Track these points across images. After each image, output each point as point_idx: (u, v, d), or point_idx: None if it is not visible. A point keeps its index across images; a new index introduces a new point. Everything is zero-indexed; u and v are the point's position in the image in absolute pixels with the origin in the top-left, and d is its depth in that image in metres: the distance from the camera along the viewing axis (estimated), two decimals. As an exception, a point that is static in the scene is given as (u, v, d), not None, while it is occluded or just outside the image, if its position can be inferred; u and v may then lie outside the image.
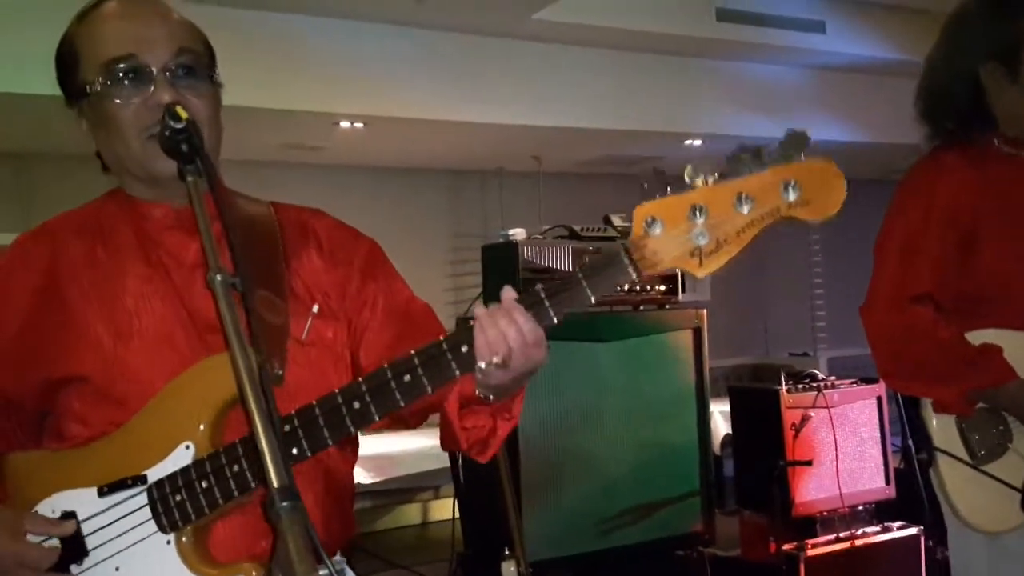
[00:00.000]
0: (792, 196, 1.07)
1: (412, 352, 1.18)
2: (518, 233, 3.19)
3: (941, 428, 1.84)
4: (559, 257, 3.26)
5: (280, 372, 1.26)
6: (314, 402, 1.19)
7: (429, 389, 1.17)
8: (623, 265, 1.12)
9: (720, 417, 4.65)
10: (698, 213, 1.08)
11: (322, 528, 1.24)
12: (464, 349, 1.17)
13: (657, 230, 1.10)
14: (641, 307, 3.49)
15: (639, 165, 7.25)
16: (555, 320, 1.16)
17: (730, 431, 4.02)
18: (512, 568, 2.69)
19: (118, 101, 1.27)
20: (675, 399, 3.52)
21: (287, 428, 1.17)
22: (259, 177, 5.82)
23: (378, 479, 4.21)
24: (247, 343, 1.03)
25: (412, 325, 1.42)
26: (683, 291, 3.51)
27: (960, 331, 1.84)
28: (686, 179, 1.12)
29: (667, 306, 3.57)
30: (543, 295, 1.16)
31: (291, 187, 6.07)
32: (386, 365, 1.19)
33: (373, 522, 5.56)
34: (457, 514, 3.27)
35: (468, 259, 6.41)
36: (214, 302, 1.06)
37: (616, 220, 3.43)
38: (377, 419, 1.19)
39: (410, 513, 5.62)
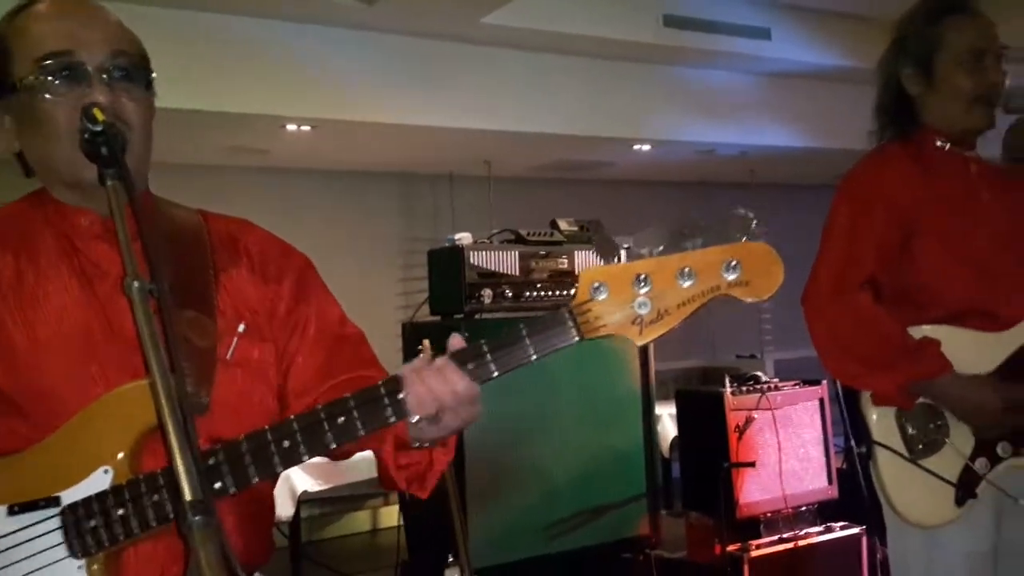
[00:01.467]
0: (732, 276, 1.11)
1: (348, 395, 1.17)
2: (464, 237, 3.18)
3: (880, 421, 1.85)
4: (506, 261, 3.26)
5: (206, 400, 1.23)
6: (242, 437, 1.16)
7: (362, 432, 1.16)
8: (567, 327, 1.14)
9: (669, 420, 4.68)
10: (642, 282, 1.12)
11: (243, 551, 1.22)
12: (401, 396, 1.16)
13: (602, 295, 1.13)
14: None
15: (590, 170, 7.29)
16: (495, 375, 1.17)
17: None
18: (456, 575, 2.67)
19: (50, 97, 1.23)
20: (622, 403, 3.54)
21: (212, 461, 1.15)
22: (205, 180, 5.78)
23: (325, 486, 4.16)
24: (168, 366, 1.01)
25: (343, 351, 1.39)
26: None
27: (900, 321, 1.86)
28: (630, 250, 1.16)
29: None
30: (486, 349, 1.16)
31: (237, 190, 6.02)
32: (320, 406, 1.17)
33: (322, 530, 5.50)
34: (402, 522, 3.24)
35: (418, 264, 6.37)
36: (131, 311, 1.03)
37: (563, 224, 3.43)
38: (306, 459, 1.18)
39: (359, 520, 5.57)
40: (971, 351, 1.82)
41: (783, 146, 6.80)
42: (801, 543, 3.50)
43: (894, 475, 1.83)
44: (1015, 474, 1.84)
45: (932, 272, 1.88)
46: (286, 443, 1.15)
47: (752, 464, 3.45)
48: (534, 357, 1.15)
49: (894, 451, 1.81)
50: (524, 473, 3.26)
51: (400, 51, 5.43)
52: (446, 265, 3.23)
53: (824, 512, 3.72)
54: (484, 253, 3.21)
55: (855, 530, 3.62)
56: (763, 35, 6.10)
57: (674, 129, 6.34)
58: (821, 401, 3.78)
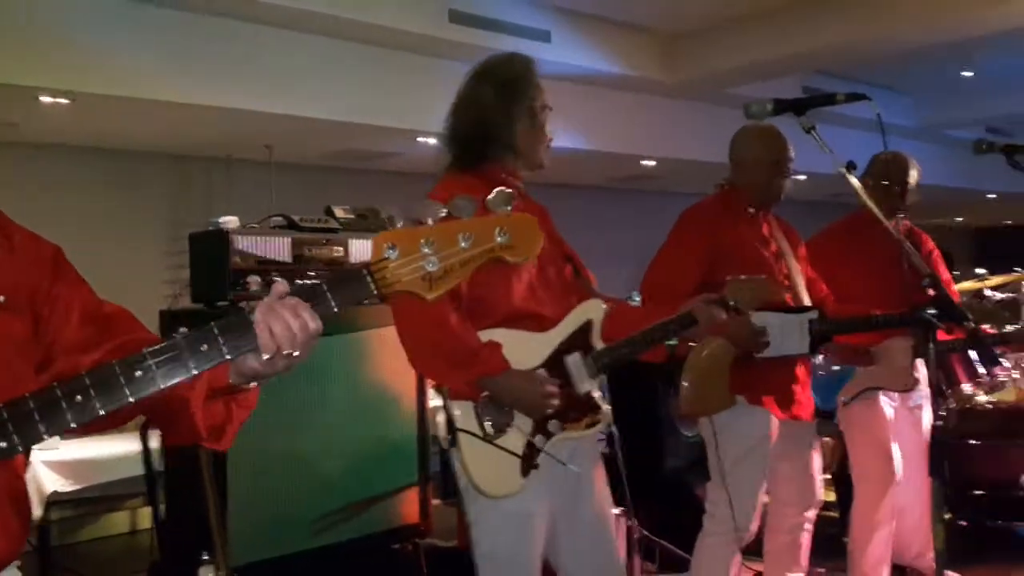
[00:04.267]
0: (502, 239, 1.32)
1: (170, 340, 1.20)
2: (230, 221, 3.04)
3: (461, 411, 2.15)
4: (276, 248, 3.15)
5: None
6: (27, 394, 1.14)
7: (193, 371, 1.20)
8: (364, 282, 1.28)
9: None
10: (429, 244, 1.28)
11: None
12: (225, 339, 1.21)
13: (394, 255, 1.27)
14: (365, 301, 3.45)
15: (377, 160, 7.22)
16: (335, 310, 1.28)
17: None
18: (211, 574, 2.56)
19: None
20: (396, 393, 3.52)
21: None
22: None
23: (76, 486, 3.86)
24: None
25: (111, 326, 1.40)
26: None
27: (471, 325, 2.16)
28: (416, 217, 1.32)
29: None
30: (326, 288, 1.27)
31: (-18, 165, 5.48)
32: (114, 361, 1.18)
33: (75, 533, 5.13)
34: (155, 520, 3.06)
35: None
36: None
37: (339, 212, 3.36)
38: (102, 413, 1.18)
39: (116, 521, 5.24)
40: (524, 349, 2.18)
41: (560, 147, 7.03)
42: (565, 526, 3.63)
43: (473, 456, 2.13)
44: (565, 444, 2.23)
45: (487, 287, 2.18)
46: (78, 397, 1.15)
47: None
48: (335, 308, 1.28)
49: (473, 434, 2.11)
50: (293, 466, 3.17)
51: (170, 24, 5.15)
52: (209, 250, 3.07)
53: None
54: (253, 238, 3.08)
55: (615, 511, 3.80)
56: (543, 37, 6.29)
57: (457, 123, 6.41)
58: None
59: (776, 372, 3.07)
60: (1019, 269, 4.98)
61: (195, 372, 1.20)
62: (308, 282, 1.28)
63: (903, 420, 3.77)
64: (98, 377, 1.17)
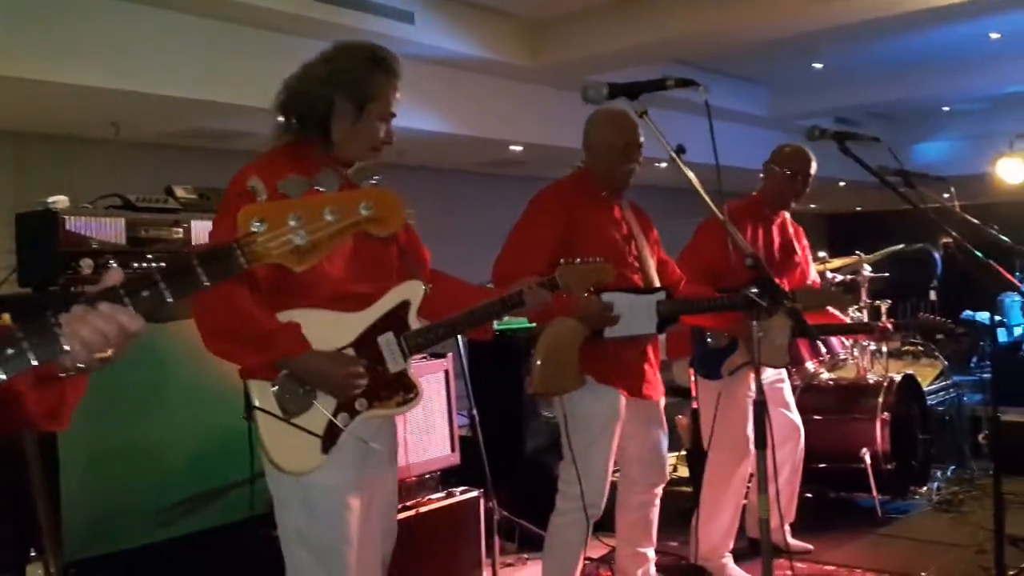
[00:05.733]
0: (367, 213, 1.34)
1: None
2: (60, 201, 2.87)
3: (259, 391, 2.14)
4: (110, 229, 2.99)
5: None
6: None
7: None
8: (235, 256, 1.27)
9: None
10: (296, 218, 1.29)
11: None
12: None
13: (262, 229, 1.28)
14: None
15: (232, 140, 6.99)
16: (169, 301, 1.24)
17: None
18: (40, 571, 2.42)
19: None
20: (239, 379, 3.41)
21: None
22: None
23: None
24: None
25: None
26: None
27: (276, 306, 2.13)
28: (252, 186, 1.38)
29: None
30: (158, 278, 1.23)
31: None
32: None
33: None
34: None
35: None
36: None
37: (180, 191, 3.22)
38: None
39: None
40: (332, 329, 2.17)
41: (424, 130, 6.98)
42: (422, 509, 3.62)
43: (271, 434, 2.13)
44: (372, 423, 2.24)
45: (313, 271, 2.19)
46: None
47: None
48: (206, 283, 1.26)
49: (271, 413, 2.11)
50: (133, 457, 3.02)
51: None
52: (37, 232, 2.89)
53: (447, 478, 3.89)
54: (84, 219, 2.92)
55: (474, 493, 3.83)
56: (407, 18, 6.22)
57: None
58: (446, 373, 3.93)
59: (625, 352, 3.15)
60: (860, 252, 5.26)
61: (3, 377, 1.16)
62: (155, 266, 1.27)
63: (767, 397, 3.92)
64: None
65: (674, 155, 2.24)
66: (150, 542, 3.01)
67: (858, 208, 16.47)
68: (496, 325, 4.60)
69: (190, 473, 3.14)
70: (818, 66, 9.07)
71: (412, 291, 2.30)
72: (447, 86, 7.05)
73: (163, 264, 1.28)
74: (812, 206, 15.90)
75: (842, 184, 12.65)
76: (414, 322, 2.29)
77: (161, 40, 5.53)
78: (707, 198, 2.19)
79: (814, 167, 3.86)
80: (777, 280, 2.44)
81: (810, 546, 4.17)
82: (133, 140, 6.56)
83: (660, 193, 7.01)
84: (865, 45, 8.33)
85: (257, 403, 2.13)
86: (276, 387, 2.13)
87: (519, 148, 8.54)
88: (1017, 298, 6.97)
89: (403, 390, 2.29)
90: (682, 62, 8.21)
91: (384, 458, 2.37)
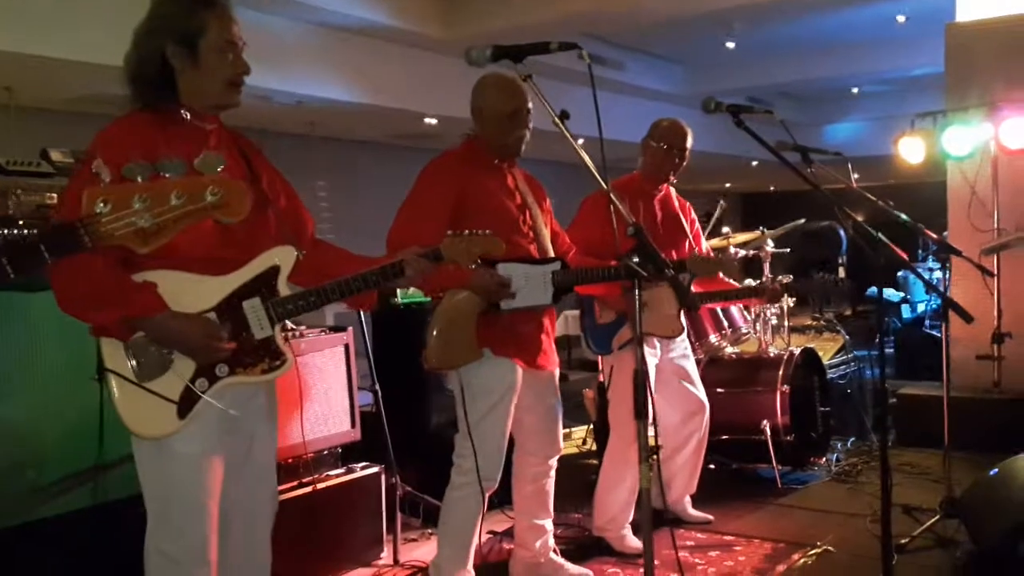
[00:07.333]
0: (212, 199, 1.41)
1: None
2: (-78, 163, 2.70)
3: (110, 351, 2.06)
4: (-22, 194, 2.82)
5: None
6: None
7: None
8: (79, 235, 1.30)
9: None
10: (142, 201, 1.34)
11: None
12: None
13: (107, 210, 1.32)
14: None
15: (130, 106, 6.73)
16: (12, 278, 1.29)
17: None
18: None
19: None
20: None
21: None
22: None
23: None
24: None
25: None
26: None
27: (119, 267, 2.04)
28: (96, 170, 1.36)
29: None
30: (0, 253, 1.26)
31: None
32: None
33: None
34: None
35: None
36: None
37: (56, 155, 3.06)
38: None
39: None
40: (193, 292, 2.11)
41: (337, 100, 6.83)
42: (320, 485, 3.55)
43: (124, 396, 2.06)
44: (235, 390, 2.17)
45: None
46: None
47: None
48: (50, 261, 1.31)
49: (122, 376, 2.04)
50: (2, 435, 2.88)
51: None
52: None
53: (347, 454, 3.82)
54: (-53, 183, 2.75)
55: (375, 469, 3.77)
56: (317, -17, 6.06)
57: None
58: (346, 347, 3.85)
59: (521, 324, 3.11)
60: (763, 229, 5.33)
61: None
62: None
63: (667, 370, 3.95)
64: None
65: (557, 121, 2.20)
66: (24, 521, 2.87)
67: (772, 187, 16.80)
68: (400, 299, 4.58)
69: (68, 449, 3.00)
70: (731, 45, 9.17)
71: (283, 256, 2.22)
72: (360, 56, 6.90)
73: (5, 239, 1.22)
74: (727, 185, 16.17)
75: (755, 164, 12.88)
76: (283, 288, 2.22)
77: (59, 2, 5.27)
78: (592, 166, 2.15)
79: (690, 140, 3.89)
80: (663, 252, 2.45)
81: (710, 516, 4.23)
82: (26, 104, 6.27)
83: (556, 168, 7.00)
84: (777, 25, 8.45)
85: (108, 364, 2.05)
86: (129, 348, 2.05)
87: (434, 121, 8.43)
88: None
89: (269, 357, 2.20)
90: (597, 38, 8.21)
91: (254, 426, 2.29)
